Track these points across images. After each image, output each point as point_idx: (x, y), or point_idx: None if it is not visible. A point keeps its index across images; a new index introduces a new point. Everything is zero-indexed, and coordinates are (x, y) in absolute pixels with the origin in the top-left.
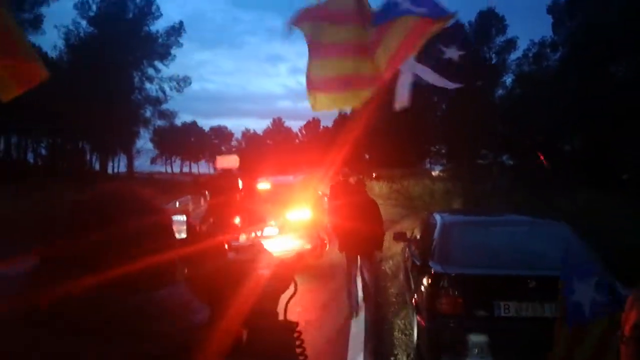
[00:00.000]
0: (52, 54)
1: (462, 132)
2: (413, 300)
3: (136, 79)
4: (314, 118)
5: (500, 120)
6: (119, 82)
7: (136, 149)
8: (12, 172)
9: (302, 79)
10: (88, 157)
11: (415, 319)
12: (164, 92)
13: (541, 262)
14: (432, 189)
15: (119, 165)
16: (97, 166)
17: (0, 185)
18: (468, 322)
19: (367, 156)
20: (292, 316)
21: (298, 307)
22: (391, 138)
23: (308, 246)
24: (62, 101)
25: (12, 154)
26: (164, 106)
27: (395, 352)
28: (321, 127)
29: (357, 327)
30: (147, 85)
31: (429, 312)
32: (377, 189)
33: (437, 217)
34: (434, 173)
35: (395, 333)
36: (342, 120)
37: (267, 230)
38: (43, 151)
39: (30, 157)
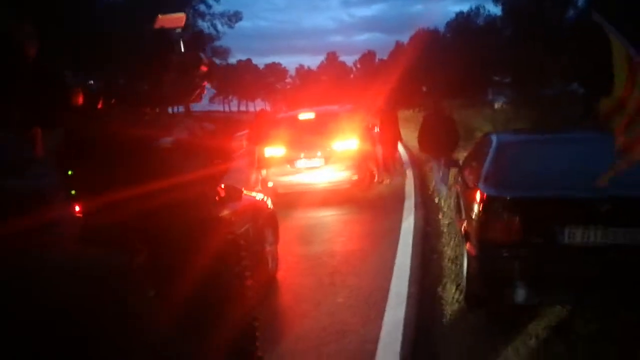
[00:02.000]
0: None
1: (528, 59)
2: (462, 228)
3: (188, 16)
4: (368, 50)
5: (570, 46)
6: None
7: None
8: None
9: (354, 11)
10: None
11: (465, 248)
12: (215, 28)
13: (615, 181)
14: (493, 119)
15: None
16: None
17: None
18: (524, 251)
19: (424, 89)
20: (335, 246)
21: (342, 236)
22: (450, 68)
23: (355, 177)
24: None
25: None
26: (217, 43)
27: (444, 282)
28: (377, 60)
29: (403, 257)
30: (199, 22)
31: (479, 241)
32: None
33: (493, 137)
34: (496, 105)
35: (445, 262)
36: (398, 51)
37: (313, 161)
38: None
39: None
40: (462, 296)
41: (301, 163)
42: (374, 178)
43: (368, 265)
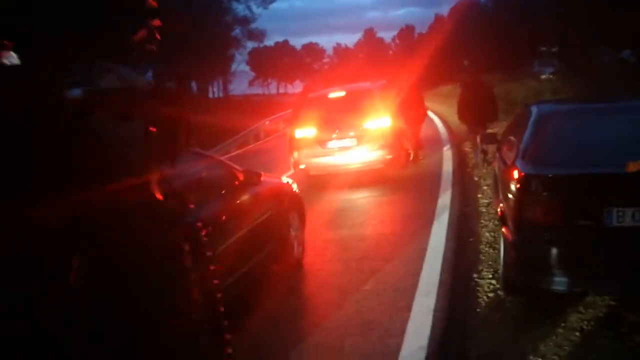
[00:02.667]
0: None
1: (576, 26)
2: (499, 210)
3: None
4: (407, 25)
5: (621, 9)
6: (209, 4)
7: (231, 72)
8: None
9: None
10: (192, 82)
11: (502, 231)
12: (250, 10)
13: None
14: (538, 91)
15: (218, 89)
16: (196, 91)
17: None
18: (566, 234)
19: (465, 62)
20: (365, 229)
21: (374, 219)
22: (493, 40)
23: (389, 156)
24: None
25: None
26: (253, 25)
27: (480, 269)
28: (415, 34)
29: (437, 241)
30: (234, 4)
31: (516, 223)
32: None
33: (533, 108)
34: (543, 76)
35: (482, 247)
36: (438, 24)
37: (345, 142)
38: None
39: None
40: (498, 284)
41: (333, 144)
42: (409, 157)
43: (399, 249)
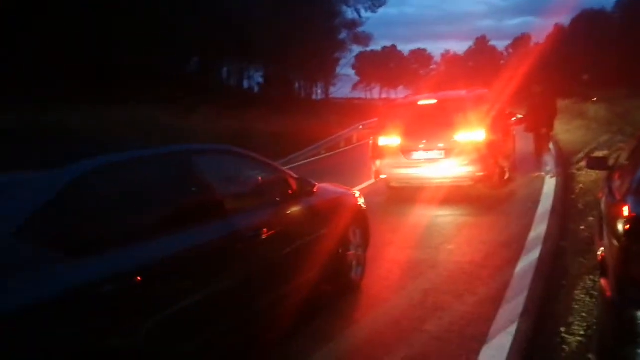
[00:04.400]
0: None
1: None
2: (599, 253)
3: (332, 2)
4: (523, 34)
5: None
6: (318, 6)
7: (335, 75)
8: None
9: None
10: (296, 85)
11: (600, 283)
12: (359, 13)
13: None
14: None
15: (322, 92)
16: (302, 94)
17: (211, 106)
18: None
19: (585, 76)
20: (440, 254)
21: (452, 243)
22: (618, 54)
23: (480, 173)
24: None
25: (230, 81)
26: (360, 29)
27: (570, 321)
28: (532, 44)
29: (521, 281)
30: (343, 7)
31: (619, 279)
32: (592, 112)
33: None
34: None
35: (577, 292)
36: (557, 35)
37: (432, 154)
38: (260, 79)
39: (245, 84)
40: (590, 344)
41: (418, 155)
42: (504, 175)
43: (474, 285)
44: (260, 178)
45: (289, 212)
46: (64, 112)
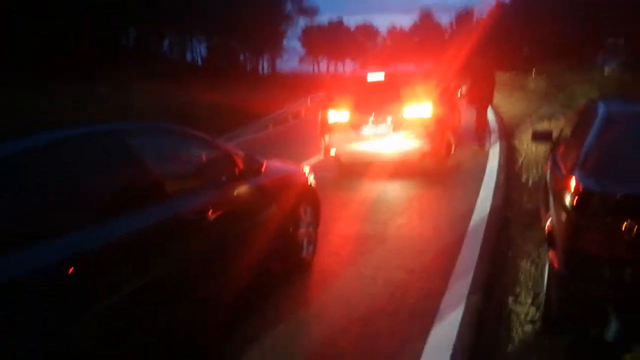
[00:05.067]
0: None
1: None
2: (547, 226)
3: None
4: (466, 9)
5: None
6: None
7: (282, 47)
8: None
9: None
10: (242, 57)
11: (547, 255)
12: None
13: None
14: (602, 84)
15: (268, 65)
16: (248, 67)
17: (153, 80)
18: (634, 273)
19: (525, 50)
20: (389, 228)
21: (401, 216)
22: (556, 29)
23: (428, 147)
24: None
25: (173, 53)
26: (305, 1)
27: (517, 291)
28: (474, 19)
29: (469, 253)
30: None
31: (567, 251)
32: (533, 84)
33: (600, 105)
34: (607, 69)
35: (523, 263)
36: (499, 10)
37: (380, 128)
38: (204, 51)
39: (188, 56)
40: (538, 313)
41: (367, 130)
42: (451, 149)
43: (424, 259)
44: (204, 157)
45: (235, 191)
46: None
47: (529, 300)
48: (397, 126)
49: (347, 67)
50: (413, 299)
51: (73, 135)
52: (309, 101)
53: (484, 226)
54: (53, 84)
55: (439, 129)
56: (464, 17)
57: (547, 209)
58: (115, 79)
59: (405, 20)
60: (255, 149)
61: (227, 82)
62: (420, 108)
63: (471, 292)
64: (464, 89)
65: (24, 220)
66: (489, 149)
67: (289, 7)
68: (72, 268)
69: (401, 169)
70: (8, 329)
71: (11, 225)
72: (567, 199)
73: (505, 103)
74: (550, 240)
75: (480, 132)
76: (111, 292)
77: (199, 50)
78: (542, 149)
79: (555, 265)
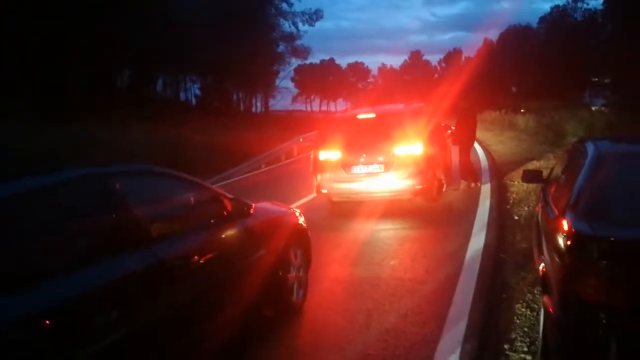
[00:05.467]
0: None
1: (632, 57)
2: (541, 268)
3: (270, 15)
4: (454, 48)
5: None
6: (255, 19)
7: (276, 87)
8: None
9: (437, 10)
10: (235, 97)
11: (542, 299)
12: (296, 27)
13: None
14: (590, 123)
15: (261, 104)
16: (241, 106)
17: (146, 119)
18: (631, 321)
19: (514, 89)
20: (382, 271)
21: (394, 258)
22: (544, 67)
23: (419, 186)
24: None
25: (166, 93)
26: (298, 42)
27: (512, 337)
28: (463, 58)
29: (463, 295)
30: (281, 21)
31: (562, 297)
32: (522, 123)
33: (589, 145)
34: (594, 108)
35: (518, 306)
36: (487, 50)
37: (371, 167)
38: (197, 91)
39: (182, 96)
40: None
41: (358, 169)
42: (442, 187)
43: (417, 303)
44: (192, 199)
45: (223, 235)
46: None
47: (525, 348)
48: (388, 165)
49: (339, 106)
50: (407, 346)
51: (55, 180)
52: (301, 140)
53: (477, 267)
54: (46, 124)
55: (429, 168)
56: (453, 56)
57: (540, 251)
58: (108, 119)
59: (396, 61)
60: (248, 188)
61: (220, 121)
62: (411, 147)
63: (466, 338)
64: (453, 127)
65: (7, 266)
66: (480, 187)
67: (281, 48)
68: (48, 320)
69: (393, 208)
70: None
71: None
72: (560, 242)
73: (495, 142)
74: (544, 283)
75: (465, 171)
76: (90, 344)
77: (193, 90)
78: (533, 187)
79: (551, 309)
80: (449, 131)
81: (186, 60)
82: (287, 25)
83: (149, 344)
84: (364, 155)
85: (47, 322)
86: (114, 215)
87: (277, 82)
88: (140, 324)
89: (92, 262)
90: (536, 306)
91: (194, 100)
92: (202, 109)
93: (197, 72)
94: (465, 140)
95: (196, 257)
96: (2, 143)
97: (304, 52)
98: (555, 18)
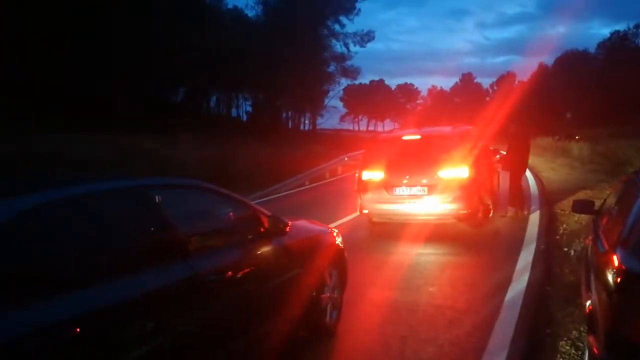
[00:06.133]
0: (250, 12)
1: None
2: (587, 306)
3: (322, 36)
4: (508, 72)
5: None
6: (308, 40)
7: (324, 106)
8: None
9: (489, 34)
10: (284, 114)
11: (588, 339)
12: (347, 47)
13: None
14: None
15: (310, 122)
16: (290, 124)
17: (198, 134)
18: None
19: (568, 115)
20: (421, 296)
21: (433, 285)
22: (602, 93)
23: (464, 211)
24: (262, 61)
25: (219, 109)
26: (348, 63)
27: None
28: (517, 82)
29: (504, 330)
30: (333, 41)
31: (609, 338)
32: (576, 150)
33: None
34: None
35: (562, 344)
36: (541, 74)
37: (414, 190)
38: (249, 108)
39: (234, 112)
40: None
41: (401, 190)
42: (489, 213)
43: (455, 332)
44: (231, 215)
45: (259, 251)
46: (53, 140)
47: None
48: (432, 188)
49: (387, 126)
50: None
51: (97, 189)
52: (346, 159)
53: (521, 299)
54: (103, 134)
55: (475, 192)
56: (506, 79)
57: (588, 287)
58: (162, 133)
59: (446, 83)
60: (291, 205)
61: (269, 137)
62: (456, 170)
63: None
64: (503, 152)
65: (39, 273)
66: (528, 215)
67: (332, 68)
68: (79, 328)
69: (436, 232)
70: None
71: (26, 276)
72: (609, 279)
73: (547, 168)
74: (590, 322)
75: (515, 198)
76: (119, 356)
77: (244, 107)
78: (585, 217)
79: (596, 350)
80: (498, 156)
81: (239, 78)
82: (338, 46)
83: (180, 355)
84: (407, 176)
85: (77, 330)
86: (154, 227)
87: (326, 101)
88: (173, 335)
89: (129, 271)
90: (582, 344)
91: (245, 117)
92: (252, 125)
93: (249, 90)
94: (518, 166)
95: (230, 272)
96: (55, 151)
97: (354, 72)
98: (615, 43)
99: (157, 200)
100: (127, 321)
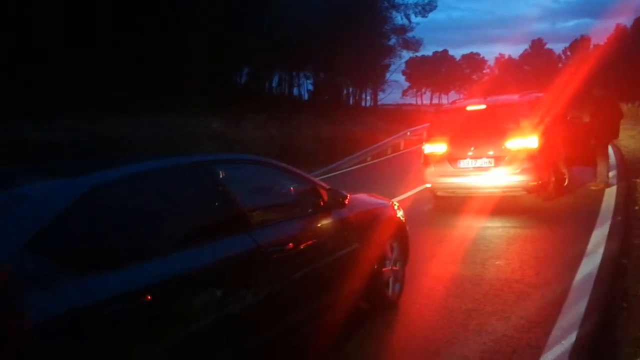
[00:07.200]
0: None
1: None
2: None
3: (382, 7)
4: (582, 36)
5: None
6: (367, 13)
7: (385, 81)
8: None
9: None
10: (345, 91)
11: None
12: (408, 18)
13: None
14: None
15: (371, 98)
16: (351, 100)
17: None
18: None
19: None
20: (487, 270)
21: (500, 258)
22: None
23: (533, 183)
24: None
25: (281, 89)
26: (410, 34)
27: (630, 352)
28: (592, 46)
29: (576, 305)
30: (393, 13)
31: None
32: None
33: None
34: None
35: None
36: (619, 36)
37: (480, 162)
38: (310, 86)
39: (295, 91)
40: None
41: (465, 163)
42: (562, 184)
43: (523, 306)
44: (292, 189)
45: (319, 224)
46: (120, 121)
47: None
48: (499, 160)
49: (451, 98)
50: (507, 351)
51: (162, 165)
52: (408, 133)
53: (594, 274)
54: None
55: (546, 163)
56: (580, 44)
57: None
58: (227, 114)
59: (515, 51)
60: (353, 180)
61: (330, 115)
62: (525, 140)
63: (575, 350)
64: (585, 119)
65: (110, 245)
66: (608, 187)
67: (393, 40)
68: (150, 296)
69: (503, 205)
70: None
71: (99, 248)
72: None
73: (626, 136)
74: None
75: (600, 168)
76: (188, 322)
77: (306, 85)
78: None
79: None
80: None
81: (301, 57)
82: (399, 18)
83: (239, 329)
84: (472, 148)
85: (149, 297)
86: (218, 201)
87: (388, 75)
88: (236, 304)
89: (196, 243)
90: None
91: (306, 95)
92: (313, 103)
93: (310, 68)
94: (604, 133)
95: (291, 244)
96: (128, 133)
97: (415, 44)
98: None
99: (220, 175)
100: (195, 290)
